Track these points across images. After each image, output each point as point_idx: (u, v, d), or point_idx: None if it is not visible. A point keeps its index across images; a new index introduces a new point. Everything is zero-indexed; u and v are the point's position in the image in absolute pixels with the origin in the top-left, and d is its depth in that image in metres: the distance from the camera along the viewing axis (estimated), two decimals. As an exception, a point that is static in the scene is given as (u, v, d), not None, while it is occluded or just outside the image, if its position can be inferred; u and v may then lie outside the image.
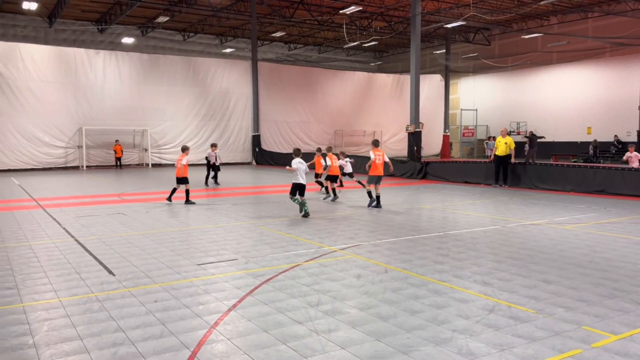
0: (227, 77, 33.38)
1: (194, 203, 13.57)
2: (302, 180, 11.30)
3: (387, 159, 12.93)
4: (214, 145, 19.17)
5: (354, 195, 15.48)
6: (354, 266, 6.95)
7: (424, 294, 5.68)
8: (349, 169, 16.70)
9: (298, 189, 11.31)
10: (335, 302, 5.41)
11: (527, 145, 28.42)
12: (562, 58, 34.30)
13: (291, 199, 11.45)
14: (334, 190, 14.58)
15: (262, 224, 10.38)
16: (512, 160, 17.72)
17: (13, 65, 26.88)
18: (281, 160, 30.71)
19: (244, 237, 9.03)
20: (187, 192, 13.67)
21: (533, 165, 18.37)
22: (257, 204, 13.88)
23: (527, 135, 29.10)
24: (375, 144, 13.21)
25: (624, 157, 17.59)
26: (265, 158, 32.88)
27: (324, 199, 14.61)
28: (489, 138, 35.86)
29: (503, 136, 17.75)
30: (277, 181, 20.82)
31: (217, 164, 19.04)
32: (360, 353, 4.18)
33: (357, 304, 5.37)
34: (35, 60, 27.48)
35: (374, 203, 12.78)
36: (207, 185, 18.64)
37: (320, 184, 16.29)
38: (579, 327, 4.75)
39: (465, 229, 9.89)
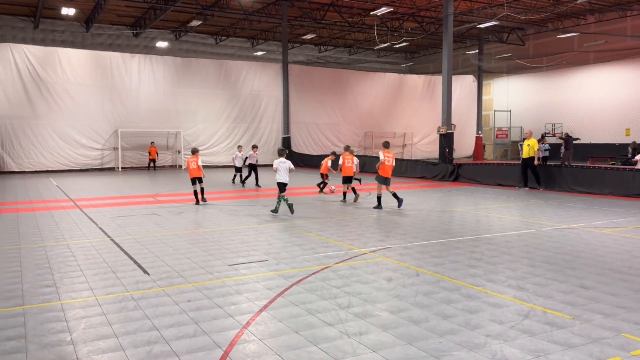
0: (258, 80, 33.69)
1: (206, 201, 14.15)
2: (283, 179, 12.14)
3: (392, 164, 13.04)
4: (254, 147, 19.68)
5: (383, 197, 15.38)
6: (385, 269, 6.91)
7: (456, 298, 5.61)
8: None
9: (280, 186, 12.17)
10: (366, 305, 5.39)
11: (562, 147, 27.75)
12: (600, 58, 33.39)
13: (282, 198, 12.07)
14: (354, 190, 14.57)
15: (292, 226, 10.43)
16: (535, 162, 17.58)
17: (52, 69, 27.75)
18: (311, 162, 30.77)
19: (275, 239, 9.09)
20: (203, 190, 14.22)
21: (569, 168, 17.94)
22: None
23: (563, 136, 28.42)
24: (386, 145, 13.32)
25: (634, 159, 17.11)
26: (296, 160, 32.93)
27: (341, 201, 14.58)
28: (523, 140, 35.15)
29: (527, 138, 17.73)
30: (307, 183, 20.87)
31: (254, 164, 19.48)
32: (391, 357, 4.15)
33: (388, 307, 5.34)
34: (72, 64, 28.30)
35: (380, 208, 12.93)
36: (244, 186, 19.15)
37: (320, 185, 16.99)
38: (618, 334, 4.62)
39: (499, 232, 9.72)
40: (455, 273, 6.68)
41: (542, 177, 17.71)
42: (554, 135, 34.02)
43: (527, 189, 17.70)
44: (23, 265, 7.18)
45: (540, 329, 4.71)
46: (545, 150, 28.92)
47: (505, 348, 4.30)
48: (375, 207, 13.00)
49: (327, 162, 16.78)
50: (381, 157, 12.82)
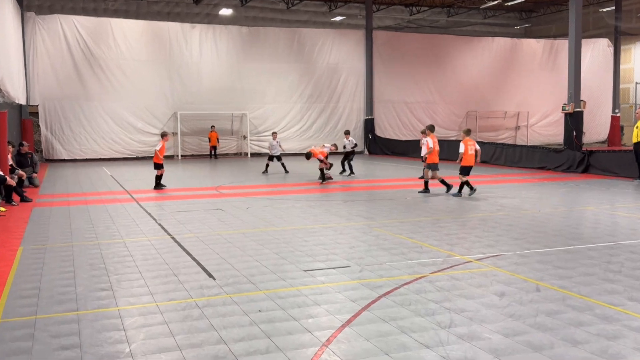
0: (336, 50, 33.85)
1: (163, 187, 16.45)
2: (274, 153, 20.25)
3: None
4: (347, 133, 21.07)
5: (490, 192, 15.01)
6: (495, 281, 6.75)
7: (589, 320, 5.38)
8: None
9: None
10: (472, 325, 5.29)
11: None
12: None
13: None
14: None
15: (377, 226, 10.42)
16: None
17: (104, 42, 29.35)
18: (399, 149, 30.58)
19: (357, 241, 9.13)
20: (160, 176, 16.39)
21: None
22: (371, 201, 13.96)
23: None
24: (431, 128, 15.34)
25: None
26: (380, 146, 32.90)
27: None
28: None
29: (638, 119, 17.28)
30: (394, 174, 20.75)
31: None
32: (506, 389, 4.05)
33: (500, 328, 5.21)
34: (127, 36, 29.79)
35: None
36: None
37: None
38: None
39: (643, 238, 9.21)
40: (587, 289, 6.40)
41: None
42: None
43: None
44: (76, 265, 7.68)
45: (702, 364, 4.42)
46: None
47: (655, 386, 4.07)
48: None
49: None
50: (430, 144, 14.62)
